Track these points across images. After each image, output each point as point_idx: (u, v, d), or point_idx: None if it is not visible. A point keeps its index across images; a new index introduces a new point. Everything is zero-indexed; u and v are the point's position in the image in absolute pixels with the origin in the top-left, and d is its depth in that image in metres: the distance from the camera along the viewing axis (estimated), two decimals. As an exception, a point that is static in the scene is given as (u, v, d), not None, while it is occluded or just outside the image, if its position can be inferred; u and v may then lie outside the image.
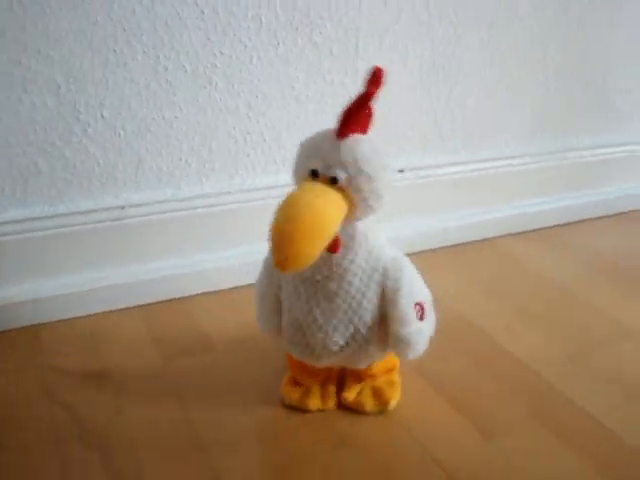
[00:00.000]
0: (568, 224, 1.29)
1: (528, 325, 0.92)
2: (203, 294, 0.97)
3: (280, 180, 1.00)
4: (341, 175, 0.56)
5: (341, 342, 0.65)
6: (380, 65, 0.55)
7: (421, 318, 0.65)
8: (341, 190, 0.57)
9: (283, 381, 0.75)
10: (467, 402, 0.75)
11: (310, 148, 0.59)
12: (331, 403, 0.73)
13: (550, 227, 1.27)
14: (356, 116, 0.57)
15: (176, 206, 0.94)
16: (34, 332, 0.87)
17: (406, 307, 0.63)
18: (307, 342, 0.66)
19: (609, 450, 0.68)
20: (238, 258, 0.99)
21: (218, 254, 0.99)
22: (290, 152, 0.99)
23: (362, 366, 0.70)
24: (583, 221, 1.31)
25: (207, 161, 0.95)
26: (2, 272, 0.87)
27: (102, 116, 0.87)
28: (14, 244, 0.86)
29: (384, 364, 0.73)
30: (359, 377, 0.73)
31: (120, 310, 0.93)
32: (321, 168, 0.57)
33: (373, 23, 0.99)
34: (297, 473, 0.64)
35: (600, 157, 1.33)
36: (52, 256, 0.89)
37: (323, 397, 0.73)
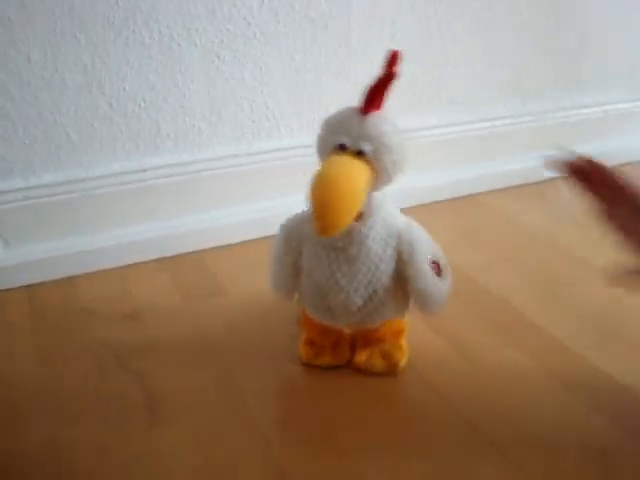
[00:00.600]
0: (549, 180, 1.39)
1: (507, 268, 1.03)
2: (217, 247, 1.09)
3: (283, 144, 1.11)
4: (367, 148, 0.62)
5: (360, 302, 0.70)
6: (397, 49, 0.61)
7: (438, 274, 0.70)
8: (366, 161, 0.62)
9: (300, 341, 0.80)
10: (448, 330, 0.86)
11: (337, 124, 0.64)
12: (343, 360, 0.78)
13: (531, 183, 1.37)
14: (380, 95, 0.63)
15: (191, 168, 1.05)
16: (71, 282, 0.99)
17: (422, 264, 0.69)
18: (328, 304, 0.71)
19: (574, 369, 0.79)
20: (246, 215, 1.10)
21: (228, 211, 1.10)
22: (291, 118, 1.10)
23: (375, 325, 0.75)
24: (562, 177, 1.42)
25: (217, 127, 1.06)
26: (39, 230, 0.98)
27: (124, 89, 0.97)
28: (50, 205, 0.98)
29: (392, 328, 0.78)
30: (368, 341, 0.78)
31: (144, 262, 1.04)
32: (348, 142, 0.62)
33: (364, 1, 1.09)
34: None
35: (578, 117, 1.43)
36: (84, 216, 1.00)
37: (335, 355, 0.78)
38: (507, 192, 1.34)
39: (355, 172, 0.61)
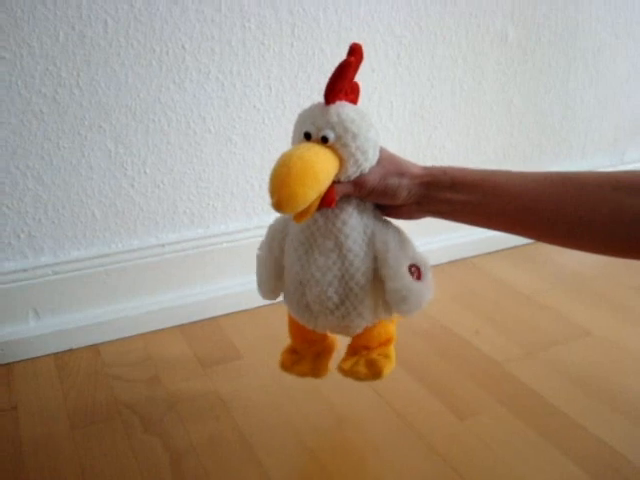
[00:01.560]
0: (534, 243, 1.48)
1: (495, 328, 1.10)
2: (231, 313, 1.16)
3: (290, 217, 1.20)
4: (330, 134, 0.63)
5: (335, 298, 0.69)
6: (358, 42, 0.64)
7: (418, 278, 0.69)
8: (331, 148, 0.63)
9: (283, 348, 0.82)
10: (444, 389, 0.93)
11: (303, 115, 0.66)
12: (321, 373, 0.80)
13: (517, 246, 1.46)
14: (339, 84, 0.63)
15: (206, 242, 1.14)
16: (95, 350, 1.06)
17: (395, 264, 0.68)
18: (306, 301, 0.70)
19: (559, 426, 0.86)
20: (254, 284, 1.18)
21: (241, 279, 1.18)
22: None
23: (356, 331, 0.74)
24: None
25: (229, 204, 1.15)
26: (67, 302, 1.06)
27: (145, 172, 1.07)
28: (76, 279, 1.06)
29: (380, 337, 0.77)
30: (356, 350, 0.78)
31: (164, 329, 1.12)
32: (313, 131, 0.64)
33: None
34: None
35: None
36: (107, 288, 1.08)
37: (314, 366, 0.79)
38: (497, 255, 1.42)
39: (312, 152, 0.61)
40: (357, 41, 0.63)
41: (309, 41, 1.12)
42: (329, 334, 0.80)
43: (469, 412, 0.89)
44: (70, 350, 1.06)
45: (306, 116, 0.66)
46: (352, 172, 0.65)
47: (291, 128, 1.14)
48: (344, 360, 0.78)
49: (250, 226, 1.17)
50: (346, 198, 0.67)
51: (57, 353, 1.05)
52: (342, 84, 0.64)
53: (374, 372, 0.76)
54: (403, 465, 0.80)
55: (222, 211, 1.15)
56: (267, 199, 1.17)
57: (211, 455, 0.82)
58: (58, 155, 1.00)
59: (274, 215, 1.18)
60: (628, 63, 1.52)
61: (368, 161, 0.66)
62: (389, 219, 0.72)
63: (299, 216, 0.63)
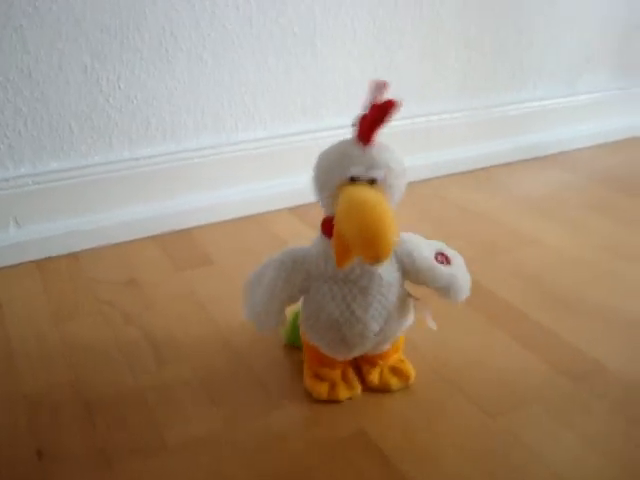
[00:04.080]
0: (494, 166, 1.57)
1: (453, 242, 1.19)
2: (201, 225, 1.23)
3: (258, 135, 1.26)
4: (379, 176, 0.63)
5: (377, 329, 0.71)
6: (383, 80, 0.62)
7: (448, 262, 0.73)
8: (378, 189, 0.63)
9: (305, 377, 0.80)
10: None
11: (341, 157, 0.63)
12: (358, 389, 0.78)
13: (479, 169, 1.55)
14: (379, 125, 0.62)
15: (178, 156, 1.19)
16: (74, 257, 1.12)
17: (429, 266, 0.71)
18: (342, 336, 0.71)
19: (511, 318, 0.95)
20: (224, 198, 1.25)
21: (210, 194, 1.24)
22: (264, 112, 1.26)
23: (387, 348, 0.77)
24: (507, 164, 1.59)
25: (200, 121, 1.20)
26: (46, 211, 1.11)
27: (119, 87, 1.11)
28: (55, 189, 1.11)
29: (396, 344, 0.80)
30: (373, 362, 0.79)
31: (139, 239, 1.18)
32: (359, 173, 0.62)
33: (326, 8, 1.25)
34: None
35: (518, 111, 1.61)
36: (85, 198, 1.14)
37: (349, 385, 0.78)
38: (453, 178, 1.51)
39: (379, 197, 0.61)
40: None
41: (276, -37, 1.17)
42: None
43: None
44: (50, 257, 1.12)
45: (344, 158, 0.63)
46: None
47: (259, 48, 1.20)
48: (369, 374, 0.79)
49: (220, 142, 1.23)
50: None
51: (37, 260, 1.11)
52: (381, 126, 0.63)
53: (404, 379, 0.79)
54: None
55: (193, 127, 1.20)
56: (235, 117, 1.24)
57: (190, 345, 0.89)
58: (37, 69, 1.05)
59: (243, 132, 1.26)
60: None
61: (401, 194, 0.67)
62: None
63: (344, 260, 0.63)
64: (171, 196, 1.21)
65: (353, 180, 0.63)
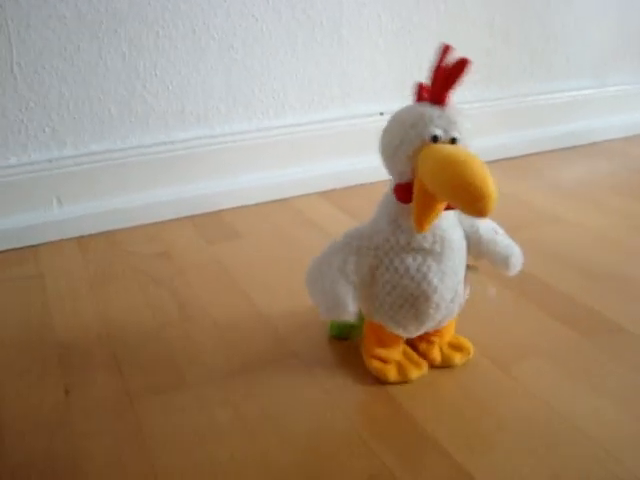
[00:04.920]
0: (524, 155, 1.60)
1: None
2: (233, 208, 1.29)
3: (288, 121, 1.32)
4: (457, 135, 0.63)
5: (449, 298, 0.70)
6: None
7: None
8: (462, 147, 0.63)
9: (367, 359, 0.77)
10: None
11: (420, 117, 0.63)
12: (425, 367, 0.76)
13: (507, 158, 1.58)
14: (453, 84, 0.63)
15: (211, 141, 1.26)
16: (113, 234, 1.19)
17: (493, 237, 0.73)
18: (417, 310, 0.69)
19: (535, 288, 0.97)
20: (254, 181, 1.31)
21: (241, 178, 1.30)
22: (293, 100, 1.31)
23: (448, 322, 0.75)
24: (537, 153, 1.62)
25: (232, 107, 1.27)
26: (87, 191, 1.19)
27: (155, 74, 1.19)
28: (95, 170, 1.18)
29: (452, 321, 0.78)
30: (430, 340, 0.78)
31: (173, 219, 1.24)
32: (440, 133, 0.62)
33: (354, 2, 1.31)
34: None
35: (547, 101, 1.63)
36: (123, 179, 1.21)
37: (416, 364, 0.76)
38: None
39: (472, 153, 0.60)
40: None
41: (304, -44, 1.24)
42: None
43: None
44: (89, 235, 1.19)
45: (422, 117, 0.63)
46: None
47: (287, 37, 1.26)
48: (429, 352, 0.77)
49: (251, 128, 1.29)
50: None
51: (78, 237, 1.18)
52: (454, 85, 0.63)
53: (465, 353, 0.78)
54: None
55: (225, 113, 1.27)
56: (266, 103, 1.30)
57: (213, 304, 0.94)
58: (78, 56, 1.13)
59: (274, 119, 1.32)
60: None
61: None
62: None
63: (425, 222, 0.63)
64: (204, 178, 1.27)
65: (435, 140, 0.62)
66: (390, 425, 0.69)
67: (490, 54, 1.52)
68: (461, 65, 0.61)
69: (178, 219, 1.25)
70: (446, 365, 0.77)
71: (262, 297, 0.95)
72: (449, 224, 0.68)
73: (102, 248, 1.14)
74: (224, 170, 1.28)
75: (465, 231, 0.71)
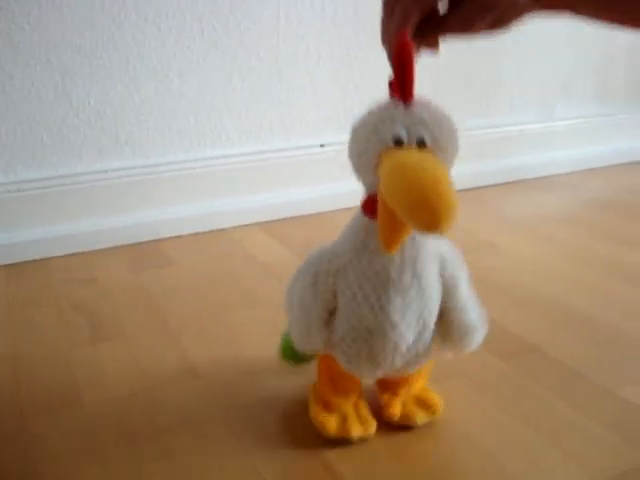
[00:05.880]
0: (477, 187, 1.60)
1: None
2: (169, 237, 1.29)
3: (225, 152, 1.33)
4: (427, 137, 0.54)
5: (411, 340, 0.60)
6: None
7: None
8: (429, 152, 0.54)
9: (312, 405, 0.69)
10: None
11: (379, 118, 0.55)
12: (372, 428, 0.67)
13: (461, 190, 1.58)
14: (412, 79, 0.54)
15: (146, 170, 1.26)
16: (43, 262, 1.18)
17: (469, 294, 0.63)
18: (370, 349, 0.60)
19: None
20: (191, 212, 1.31)
21: (177, 208, 1.30)
22: (231, 131, 1.32)
23: (414, 370, 0.65)
24: (488, 186, 1.62)
25: (167, 137, 1.27)
26: (17, 219, 1.18)
27: (89, 103, 1.19)
28: (26, 198, 1.18)
29: (424, 370, 0.69)
30: (394, 390, 0.69)
31: (107, 248, 1.24)
32: (404, 135, 0.54)
33: (290, 32, 1.32)
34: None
35: (494, 135, 1.65)
36: (54, 208, 1.20)
37: (363, 421, 0.67)
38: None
39: (434, 159, 0.52)
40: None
41: (239, -10, 1.26)
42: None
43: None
44: (22, 262, 1.18)
45: (383, 118, 0.55)
46: None
47: (223, 68, 1.28)
48: (389, 405, 0.68)
49: (187, 158, 1.30)
50: None
51: (7, 265, 1.17)
52: (413, 80, 0.54)
53: (431, 411, 0.69)
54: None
55: (161, 142, 1.27)
56: (203, 133, 1.31)
57: (128, 326, 0.94)
58: (10, 84, 1.13)
59: (210, 149, 1.32)
60: (555, 21, 1.64)
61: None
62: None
63: (392, 242, 0.54)
64: (140, 208, 1.27)
65: (398, 144, 0.54)
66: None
67: (436, 88, 1.53)
68: (403, 50, 0.52)
69: (113, 248, 1.24)
70: (405, 424, 0.68)
71: (180, 324, 0.94)
72: (426, 257, 0.58)
73: (30, 275, 1.13)
74: (160, 199, 1.28)
75: (445, 274, 0.61)
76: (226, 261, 1.17)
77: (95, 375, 0.81)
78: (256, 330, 0.92)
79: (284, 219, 1.36)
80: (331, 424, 0.66)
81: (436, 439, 0.68)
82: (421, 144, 0.53)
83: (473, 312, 0.62)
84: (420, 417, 0.67)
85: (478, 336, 0.63)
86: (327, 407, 0.68)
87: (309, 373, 0.73)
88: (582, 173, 1.75)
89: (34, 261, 1.19)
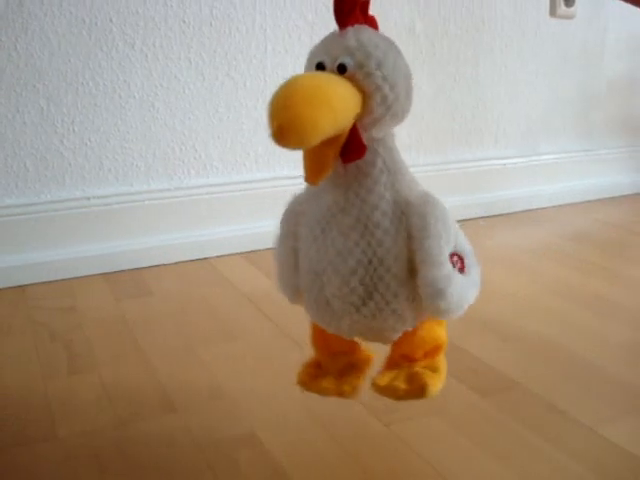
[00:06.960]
0: (458, 220, 1.60)
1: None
2: (150, 266, 1.28)
3: (210, 181, 1.32)
4: (348, 61, 0.50)
5: (361, 291, 0.54)
6: None
7: (461, 270, 0.56)
8: (351, 79, 0.50)
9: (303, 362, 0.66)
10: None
11: (316, 46, 0.53)
12: (348, 392, 0.62)
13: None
14: (352, 5, 0.51)
15: (130, 198, 1.26)
16: (21, 289, 1.17)
17: (434, 247, 0.53)
18: (325, 296, 0.56)
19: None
20: (174, 240, 1.30)
21: (160, 236, 1.29)
22: (216, 160, 1.32)
23: (393, 337, 0.59)
24: (469, 219, 1.63)
25: (152, 165, 1.27)
26: (-1, 246, 1.18)
27: (74, 130, 1.19)
28: (7, 224, 1.17)
29: (424, 344, 0.61)
30: (395, 362, 0.62)
31: (87, 276, 1.23)
32: (327, 60, 0.51)
33: (277, 63, 1.33)
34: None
35: (477, 168, 1.66)
36: (35, 235, 1.19)
37: (340, 383, 0.62)
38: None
39: (325, 76, 0.50)
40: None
41: (226, 21, 1.26)
42: (362, 344, 0.65)
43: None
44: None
45: (319, 46, 0.53)
46: (379, 113, 0.51)
47: (210, 98, 1.28)
48: (380, 374, 0.61)
49: (171, 187, 1.29)
50: (370, 158, 0.53)
51: (-15, 292, 1.16)
52: (355, 5, 0.51)
53: (416, 389, 0.59)
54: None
55: (145, 171, 1.27)
56: (188, 162, 1.31)
57: (104, 356, 0.92)
58: (-7, 110, 1.13)
59: (194, 179, 1.32)
60: (537, 59, 1.67)
61: (399, 100, 0.52)
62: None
63: (314, 172, 0.51)
64: (122, 236, 1.26)
65: (321, 68, 0.52)
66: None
67: (420, 120, 1.54)
68: None
69: (94, 276, 1.23)
70: (388, 396, 0.59)
71: (158, 356, 0.93)
72: (375, 195, 0.53)
73: (8, 302, 1.12)
74: (143, 228, 1.27)
75: (409, 222, 0.54)
76: (208, 291, 1.16)
77: (71, 407, 0.80)
78: (233, 364, 0.91)
79: (268, 249, 1.35)
80: (303, 374, 0.64)
81: (413, 477, 0.67)
82: (342, 69, 0.50)
83: (435, 269, 0.53)
84: (401, 391, 0.58)
85: (441, 301, 0.54)
86: (315, 363, 0.65)
87: (288, 412, 0.73)
88: (564, 207, 1.76)
89: (15, 287, 1.17)
